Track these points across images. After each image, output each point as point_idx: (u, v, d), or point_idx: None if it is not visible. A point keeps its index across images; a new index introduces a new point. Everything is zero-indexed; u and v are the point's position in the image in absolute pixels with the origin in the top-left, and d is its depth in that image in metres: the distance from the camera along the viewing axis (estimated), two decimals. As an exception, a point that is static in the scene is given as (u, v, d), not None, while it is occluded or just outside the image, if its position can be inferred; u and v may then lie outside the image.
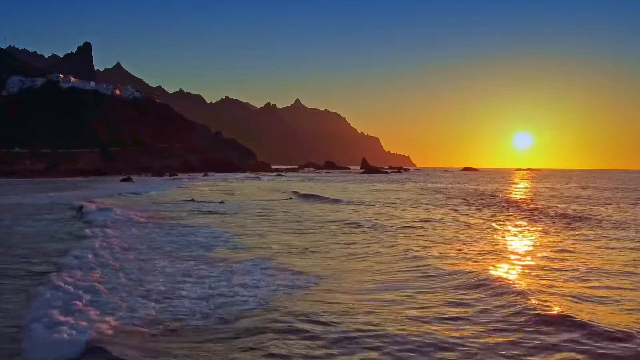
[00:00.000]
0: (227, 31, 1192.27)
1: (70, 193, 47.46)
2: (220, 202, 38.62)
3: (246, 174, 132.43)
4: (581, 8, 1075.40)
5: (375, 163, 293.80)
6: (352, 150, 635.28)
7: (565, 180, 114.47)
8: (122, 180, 75.45)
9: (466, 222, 26.79)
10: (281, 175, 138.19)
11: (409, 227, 24.76)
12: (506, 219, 29.09)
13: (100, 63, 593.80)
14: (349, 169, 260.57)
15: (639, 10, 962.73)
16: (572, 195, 54.44)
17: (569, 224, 26.04)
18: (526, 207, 36.91)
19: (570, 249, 17.90)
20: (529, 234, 22.72)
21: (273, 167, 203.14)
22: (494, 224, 26.41)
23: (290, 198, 46.17)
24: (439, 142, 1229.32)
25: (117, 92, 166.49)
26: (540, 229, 24.44)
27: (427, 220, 27.59)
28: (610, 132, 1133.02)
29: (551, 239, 20.77)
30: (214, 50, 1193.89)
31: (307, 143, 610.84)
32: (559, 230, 23.68)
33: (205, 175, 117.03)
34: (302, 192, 52.24)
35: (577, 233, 22.52)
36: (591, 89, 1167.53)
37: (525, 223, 27.00)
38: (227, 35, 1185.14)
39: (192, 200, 40.90)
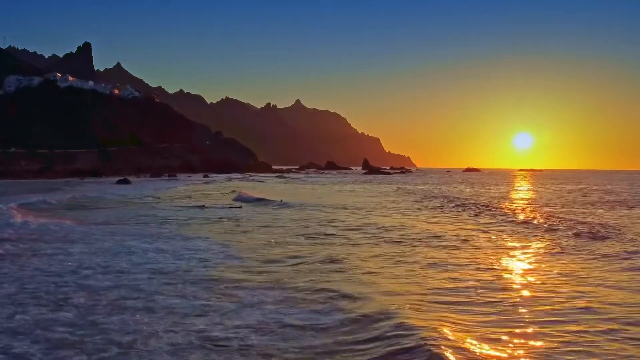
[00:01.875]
0: (227, 31, 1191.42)
1: (40, 196, 44.66)
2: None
3: (232, 175, 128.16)
4: (581, 8, 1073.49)
5: (375, 163, 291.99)
6: (352, 151, 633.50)
7: (576, 182, 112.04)
8: (119, 181, 72.86)
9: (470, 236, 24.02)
10: (282, 176, 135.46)
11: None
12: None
13: (100, 63, 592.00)
14: (351, 169, 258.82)
15: (639, 10, 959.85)
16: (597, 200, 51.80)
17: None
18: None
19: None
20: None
21: (274, 167, 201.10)
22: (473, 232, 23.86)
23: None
24: (440, 142, 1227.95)
25: (116, 91, 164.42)
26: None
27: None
28: (611, 133, 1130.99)
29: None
30: (214, 50, 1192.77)
31: (308, 143, 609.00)
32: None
33: (205, 176, 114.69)
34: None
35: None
36: (591, 89, 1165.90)
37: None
38: (227, 35, 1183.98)
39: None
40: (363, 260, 15.72)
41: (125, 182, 72.13)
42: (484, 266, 15.03)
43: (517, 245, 19.53)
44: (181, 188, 64.63)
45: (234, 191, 53.23)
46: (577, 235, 20.98)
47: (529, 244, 19.83)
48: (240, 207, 36.45)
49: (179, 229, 23.13)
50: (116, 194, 49.40)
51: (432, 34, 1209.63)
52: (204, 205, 36.68)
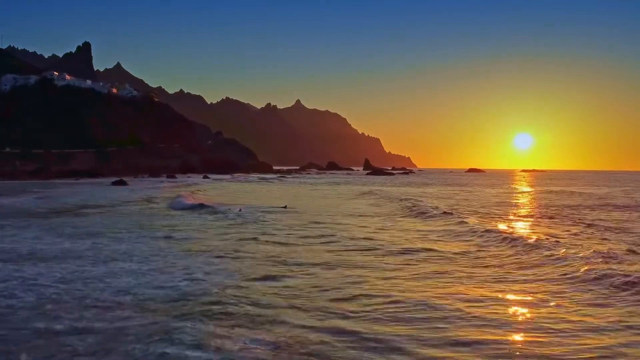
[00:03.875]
0: (227, 31, 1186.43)
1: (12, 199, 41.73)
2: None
3: (226, 176, 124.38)
4: (581, 8, 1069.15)
5: (376, 164, 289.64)
6: (352, 151, 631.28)
7: (586, 183, 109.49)
8: (114, 182, 70.14)
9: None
10: (284, 177, 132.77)
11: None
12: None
13: (101, 63, 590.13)
14: (352, 169, 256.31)
15: (639, 10, 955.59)
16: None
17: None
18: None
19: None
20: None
21: (274, 167, 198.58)
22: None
23: None
24: (440, 143, 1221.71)
25: (115, 90, 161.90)
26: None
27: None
28: (611, 133, 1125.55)
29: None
30: (214, 50, 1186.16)
31: (308, 143, 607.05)
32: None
33: (205, 177, 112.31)
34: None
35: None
36: (591, 89, 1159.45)
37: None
38: (227, 35, 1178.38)
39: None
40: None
41: (121, 183, 69.46)
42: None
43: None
44: (142, 192, 59.35)
45: (178, 195, 47.16)
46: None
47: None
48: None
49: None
50: (100, 197, 46.03)
51: (432, 34, 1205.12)
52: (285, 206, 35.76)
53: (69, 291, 11.82)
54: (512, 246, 18.59)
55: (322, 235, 21.92)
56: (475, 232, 22.90)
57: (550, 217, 31.69)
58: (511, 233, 21.98)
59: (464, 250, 18.50)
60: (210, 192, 56.73)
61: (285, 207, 36.97)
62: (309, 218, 29.50)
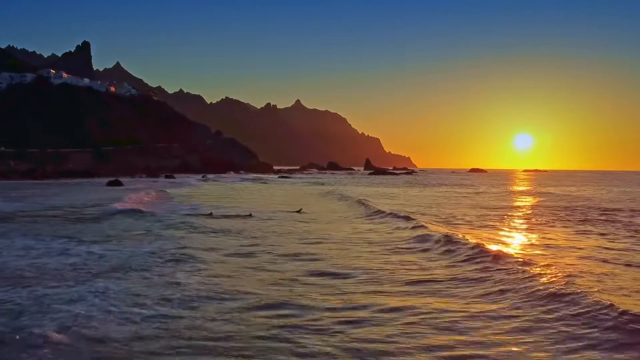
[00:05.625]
0: (227, 31, 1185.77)
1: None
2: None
3: (213, 176, 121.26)
4: (581, 8, 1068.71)
5: (376, 164, 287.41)
6: (352, 151, 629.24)
7: (597, 184, 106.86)
8: (109, 183, 67.21)
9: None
10: (286, 176, 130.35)
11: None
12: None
13: (100, 63, 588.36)
14: (353, 169, 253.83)
15: (639, 10, 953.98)
16: None
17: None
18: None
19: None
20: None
21: (275, 167, 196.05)
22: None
23: None
24: (440, 143, 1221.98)
25: (113, 89, 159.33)
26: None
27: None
28: (611, 133, 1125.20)
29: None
30: (214, 50, 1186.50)
31: (308, 143, 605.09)
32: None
33: (203, 177, 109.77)
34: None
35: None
36: (591, 89, 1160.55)
37: None
38: (227, 35, 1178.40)
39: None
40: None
41: (116, 183, 66.59)
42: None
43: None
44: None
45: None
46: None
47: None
48: None
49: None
50: (74, 199, 42.01)
51: (432, 34, 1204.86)
52: (211, 213, 30.47)
53: None
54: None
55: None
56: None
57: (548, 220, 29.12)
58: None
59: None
60: (195, 193, 53.42)
61: (299, 211, 33.04)
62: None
